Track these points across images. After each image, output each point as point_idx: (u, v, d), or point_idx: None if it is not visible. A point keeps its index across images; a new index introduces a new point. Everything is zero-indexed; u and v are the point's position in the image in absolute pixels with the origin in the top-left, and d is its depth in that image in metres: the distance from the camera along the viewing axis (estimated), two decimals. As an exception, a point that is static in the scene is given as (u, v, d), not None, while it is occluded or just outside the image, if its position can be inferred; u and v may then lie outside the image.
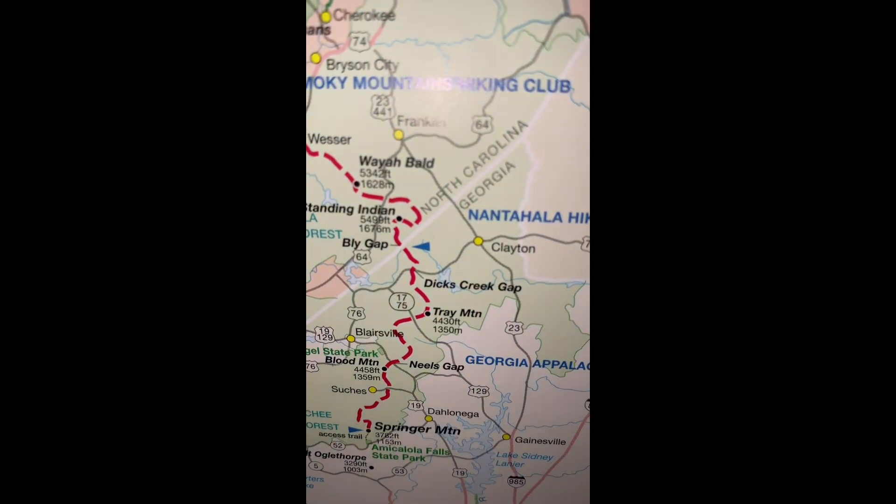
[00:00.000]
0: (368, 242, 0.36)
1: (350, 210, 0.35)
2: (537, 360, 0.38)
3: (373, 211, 0.35)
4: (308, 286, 0.37)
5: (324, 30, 0.31)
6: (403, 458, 0.43)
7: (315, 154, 0.34)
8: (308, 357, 0.40)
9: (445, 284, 0.36)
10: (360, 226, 0.35)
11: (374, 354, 0.39)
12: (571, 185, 0.33)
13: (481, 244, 0.35)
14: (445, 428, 0.42)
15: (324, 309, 0.38)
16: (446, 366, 0.39)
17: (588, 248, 0.34)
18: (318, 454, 0.44)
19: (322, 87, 0.32)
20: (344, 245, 0.36)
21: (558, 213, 0.34)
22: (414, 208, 0.35)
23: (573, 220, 0.34)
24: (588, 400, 0.39)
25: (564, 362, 0.38)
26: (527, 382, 0.39)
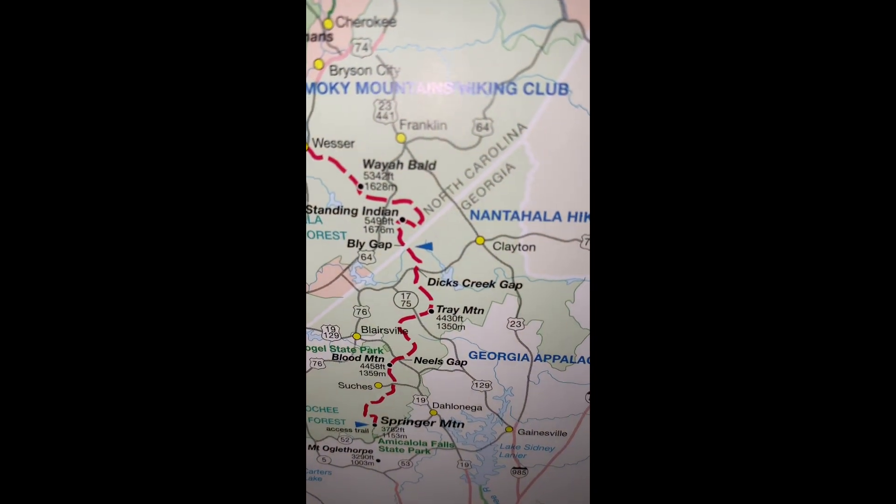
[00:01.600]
0: (373, 243, 0.37)
1: (354, 212, 0.36)
2: (538, 355, 0.39)
3: (377, 212, 0.36)
4: (314, 286, 0.38)
5: (326, 36, 0.32)
6: (409, 451, 0.44)
7: (319, 158, 0.34)
8: (315, 355, 0.41)
9: (448, 283, 0.37)
10: (365, 227, 0.36)
11: (380, 351, 0.40)
12: (570, 185, 0.34)
13: (483, 243, 0.36)
14: (450, 421, 0.43)
15: (330, 308, 0.39)
16: (450, 361, 0.40)
17: (587, 246, 0.35)
18: (325, 448, 0.45)
19: (325, 92, 0.33)
20: (349, 246, 0.37)
21: (558, 213, 0.35)
22: (417, 209, 0.35)
23: (572, 219, 0.35)
24: (588, 393, 0.40)
25: (565, 356, 0.39)
26: (528, 376, 0.40)
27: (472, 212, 0.35)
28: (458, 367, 0.40)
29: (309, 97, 0.33)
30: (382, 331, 0.39)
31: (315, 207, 0.36)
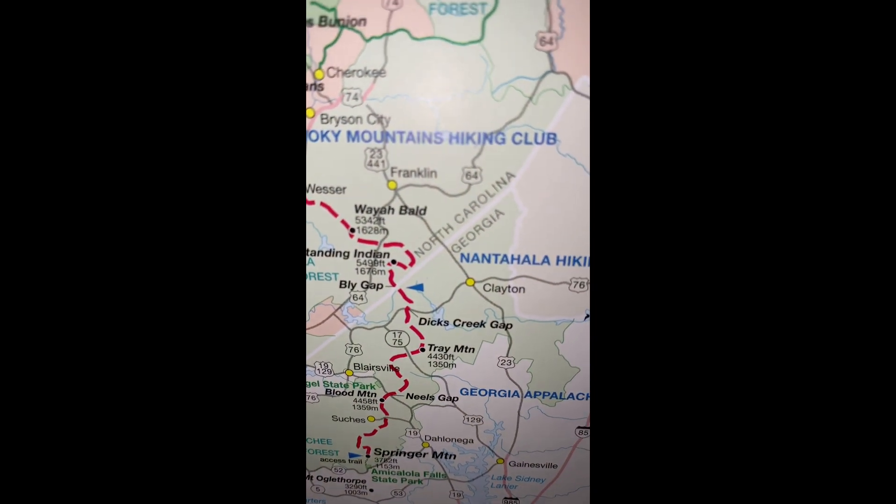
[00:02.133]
0: (364, 284, 0.37)
1: (346, 254, 0.36)
2: (529, 391, 0.40)
3: (368, 255, 0.36)
4: (307, 325, 0.39)
5: (317, 86, 0.32)
6: (402, 482, 0.45)
7: (311, 203, 0.35)
8: (309, 389, 0.41)
9: (439, 322, 0.38)
10: (356, 269, 0.37)
11: (372, 387, 0.41)
12: (559, 231, 0.34)
13: (473, 285, 0.36)
14: (442, 453, 0.43)
15: (322, 345, 0.39)
16: (441, 397, 0.40)
17: (576, 289, 0.36)
18: (319, 478, 0.46)
19: (317, 140, 0.33)
20: (341, 287, 0.37)
21: (546, 257, 0.35)
22: (408, 252, 0.36)
23: (561, 263, 0.35)
24: (578, 427, 0.41)
25: (555, 393, 0.40)
26: (519, 411, 0.41)
27: (463, 255, 0.36)
28: (450, 402, 0.41)
29: (305, 144, 0.33)
30: (374, 368, 0.40)
31: (308, 250, 0.36)
